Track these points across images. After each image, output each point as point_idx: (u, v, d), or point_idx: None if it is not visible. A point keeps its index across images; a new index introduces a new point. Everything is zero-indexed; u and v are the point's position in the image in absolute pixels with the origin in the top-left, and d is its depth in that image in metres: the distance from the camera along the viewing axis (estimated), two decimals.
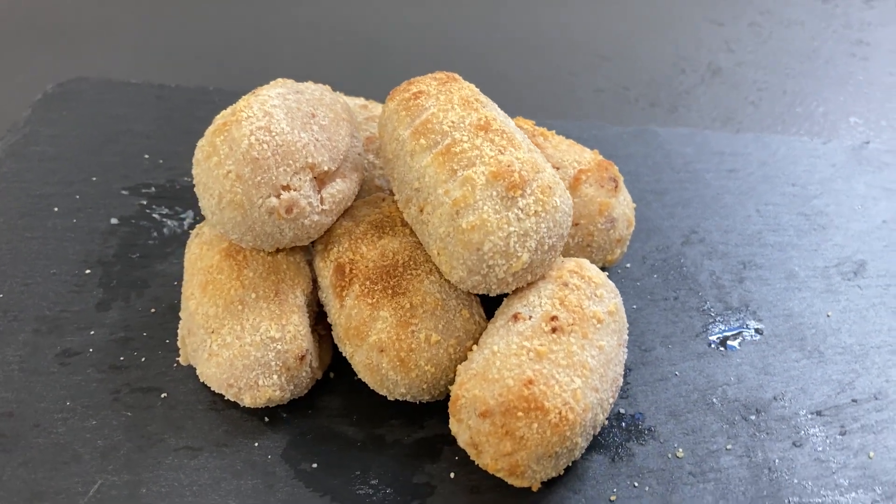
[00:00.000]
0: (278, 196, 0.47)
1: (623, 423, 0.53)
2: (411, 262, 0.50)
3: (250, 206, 0.47)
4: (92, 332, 0.57)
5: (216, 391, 0.51)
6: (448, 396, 0.50)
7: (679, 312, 0.62)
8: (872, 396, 0.56)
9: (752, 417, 0.54)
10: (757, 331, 0.61)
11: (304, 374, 0.51)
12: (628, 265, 0.66)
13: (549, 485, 0.49)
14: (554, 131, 0.61)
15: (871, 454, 0.52)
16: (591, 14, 1.14)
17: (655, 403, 0.55)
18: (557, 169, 0.56)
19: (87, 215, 0.66)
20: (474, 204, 0.45)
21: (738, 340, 0.60)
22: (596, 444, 0.51)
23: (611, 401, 0.47)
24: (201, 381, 0.51)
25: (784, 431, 0.53)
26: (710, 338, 0.60)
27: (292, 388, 0.50)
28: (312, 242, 0.54)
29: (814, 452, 0.52)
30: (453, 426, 0.46)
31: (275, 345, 0.49)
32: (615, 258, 0.59)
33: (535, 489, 0.46)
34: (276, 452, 0.50)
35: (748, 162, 0.78)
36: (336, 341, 0.52)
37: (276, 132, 0.47)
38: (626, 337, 0.50)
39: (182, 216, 0.67)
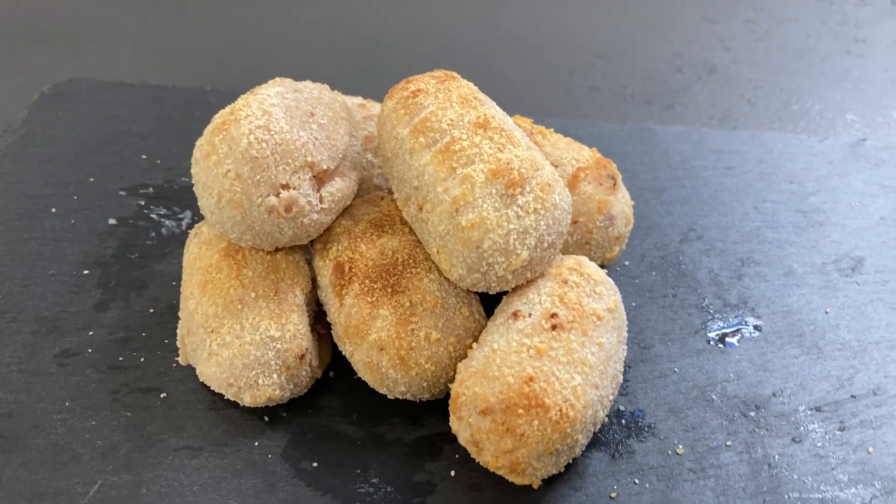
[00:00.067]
0: (277, 195, 0.47)
1: (623, 421, 0.53)
2: (411, 261, 0.50)
3: (249, 205, 0.47)
4: (91, 333, 0.57)
5: (216, 391, 0.50)
6: (448, 394, 0.50)
7: (678, 309, 0.62)
8: (871, 392, 0.56)
9: (752, 414, 0.54)
10: (756, 327, 0.61)
11: (303, 373, 0.50)
12: (627, 263, 0.66)
13: (550, 482, 0.49)
14: (552, 129, 0.61)
15: (871, 449, 0.52)
16: (588, 13, 1.14)
17: (655, 400, 0.55)
18: (556, 167, 0.56)
19: (84, 216, 0.66)
20: (474, 202, 0.45)
21: (737, 337, 0.60)
22: (596, 442, 0.51)
23: (611, 398, 0.47)
24: (201, 380, 0.51)
25: (783, 427, 0.53)
26: (709, 335, 0.60)
27: (292, 387, 0.50)
28: (311, 241, 0.54)
29: (813, 448, 0.52)
30: (454, 424, 0.46)
31: (274, 344, 0.49)
32: (614, 256, 0.59)
33: (535, 486, 0.46)
34: (277, 452, 0.50)
35: (745, 159, 0.78)
36: (336, 340, 0.52)
37: (275, 131, 0.47)
38: (626, 334, 0.50)
39: (180, 216, 0.67)
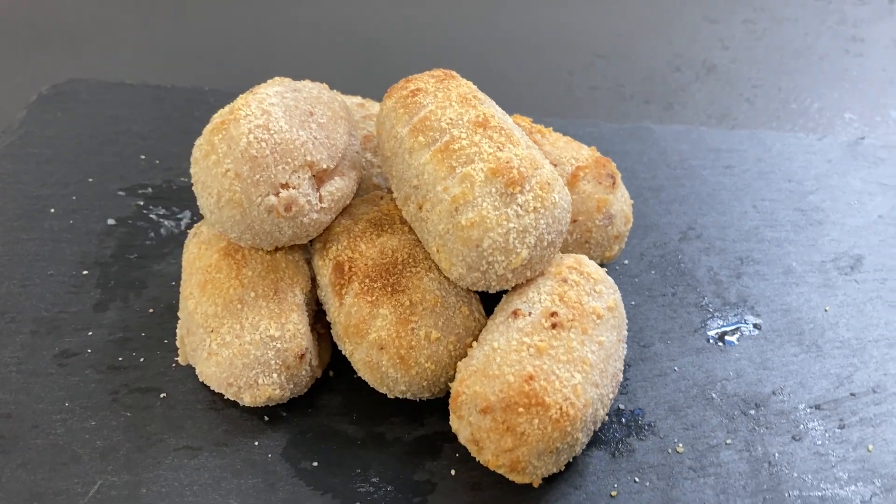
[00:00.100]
0: (277, 194, 0.47)
1: (623, 419, 0.53)
2: (410, 260, 0.50)
3: (249, 204, 0.47)
4: (90, 333, 0.57)
5: (216, 390, 0.50)
6: (448, 393, 0.50)
7: (677, 308, 0.62)
8: (871, 390, 0.56)
9: (752, 412, 0.54)
10: (755, 326, 0.61)
11: (303, 372, 0.50)
12: (626, 262, 0.66)
13: (550, 481, 0.49)
14: (551, 128, 0.61)
15: (870, 447, 0.52)
16: (587, 13, 1.14)
17: (655, 399, 0.55)
18: (555, 166, 0.56)
19: (83, 216, 0.66)
20: (473, 201, 0.45)
21: (737, 335, 0.60)
22: (596, 440, 0.51)
23: (611, 396, 0.47)
24: (200, 380, 0.51)
25: (783, 425, 0.53)
26: (709, 333, 0.60)
27: (292, 386, 0.50)
28: (311, 241, 0.54)
29: (813, 446, 0.52)
30: (454, 423, 0.46)
31: (274, 343, 0.49)
32: (613, 255, 0.59)
33: (535, 485, 0.46)
34: (277, 451, 0.50)
35: (744, 158, 0.78)
36: (335, 339, 0.52)
37: (275, 130, 0.47)
38: (626, 332, 0.50)
39: (179, 216, 0.67)
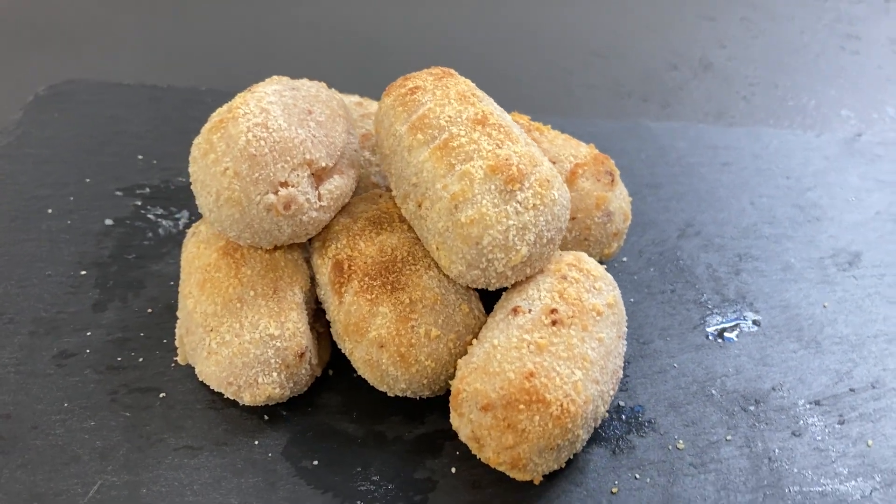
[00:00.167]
0: (276, 193, 0.47)
1: (623, 416, 0.53)
2: (410, 258, 0.50)
3: (248, 202, 0.47)
4: (89, 334, 0.56)
5: (215, 390, 0.50)
6: (448, 391, 0.50)
7: (676, 305, 0.62)
8: (870, 385, 0.56)
9: (752, 408, 0.54)
10: (754, 322, 0.61)
11: (303, 371, 0.50)
12: (625, 259, 0.66)
13: (551, 478, 0.49)
14: (549, 126, 0.61)
15: (870, 442, 0.52)
16: (584, 11, 1.14)
17: (655, 396, 0.55)
18: (554, 163, 0.56)
19: (81, 216, 0.66)
20: (473, 198, 0.45)
21: (736, 332, 0.60)
22: (596, 437, 0.51)
23: (611, 393, 0.47)
24: (200, 379, 0.51)
25: (783, 421, 0.53)
26: (708, 330, 0.60)
27: (292, 385, 0.50)
28: (310, 240, 0.54)
29: (813, 442, 0.52)
30: (454, 420, 0.46)
31: (274, 342, 0.48)
32: (612, 252, 0.59)
33: (536, 482, 0.46)
34: (277, 450, 0.50)
35: (742, 155, 0.79)
36: (335, 338, 0.52)
37: (274, 129, 0.47)
38: (626, 329, 0.50)
39: (177, 216, 0.67)
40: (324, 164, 0.50)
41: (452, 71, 0.54)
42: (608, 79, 0.99)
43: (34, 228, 0.64)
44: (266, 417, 0.52)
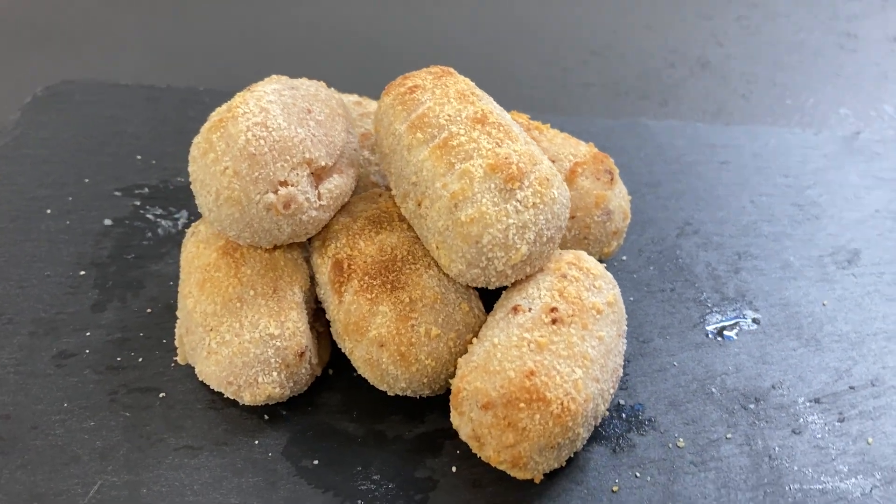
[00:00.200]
0: (276, 192, 0.47)
1: (623, 414, 0.53)
2: (410, 257, 0.50)
3: (248, 202, 0.47)
4: (88, 334, 0.56)
5: (215, 389, 0.50)
6: (448, 390, 0.50)
7: (676, 303, 0.62)
8: (869, 383, 0.56)
9: (752, 406, 0.54)
10: (754, 320, 0.61)
11: (303, 370, 0.50)
12: (624, 258, 0.66)
13: (551, 476, 0.49)
14: (549, 125, 0.61)
15: (870, 440, 0.52)
16: (582, 10, 1.14)
17: (655, 394, 0.55)
18: (553, 162, 0.56)
19: (80, 217, 0.66)
20: (473, 197, 0.45)
21: (736, 330, 0.60)
22: (597, 436, 0.51)
23: (611, 391, 0.47)
24: (200, 379, 0.51)
25: (783, 419, 0.53)
26: (708, 328, 0.60)
27: (292, 384, 0.50)
28: (309, 239, 0.54)
29: (813, 439, 0.52)
30: (455, 419, 0.46)
31: (274, 342, 0.48)
32: (612, 250, 0.59)
33: (537, 481, 0.46)
34: (277, 450, 0.50)
35: (740, 154, 0.79)
36: (335, 337, 0.52)
37: (273, 128, 0.47)
38: (625, 327, 0.50)
39: (176, 216, 0.67)
40: (323, 164, 0.50)
41: (451, 70, 0.54)
42: (606, 77, 0.99)
43: (33, 229, 0.64)
44: (266, 417, 0.52)
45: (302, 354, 0.49)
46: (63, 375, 0.53)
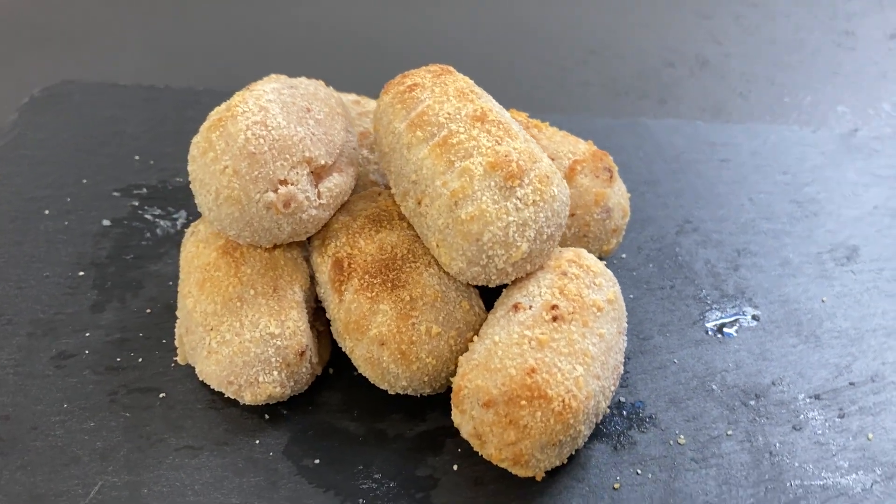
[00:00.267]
0: (276, 191, 0.47)
1: (624, 412, 0.53)
2: (410, 255, 0.50)
3: (248, 201, 0.47)
4: (87, 334, 0.56)
5: (216, 389, 0.50)
6: (449, 389, 0.50)
7: (675, 301, 0.62)
8: (869, 379, 0.56)
9: (752, 403, 0.54)
10: (753, 317, 0.61)
11: (304, 369, 0.50)
12: (624, 255, 0.66)
13: (553, 474, 0.49)
14: (548, 123, 0.61)
15: (870, 436, 0.52)
16: (580, 9, 1.15)
17: (655, 391, 0.55)
18: (553, 160, 0.56)
19: (78, 217, 0.66)
20: (473, 194, 0.45)
21: (735, 327, 0.60)
22: (597, 433, 0.51)
23: (612, 388, 0.47)
24: (200, 379, 0.51)
25: (783, 416, 0.53)
26: (707, 325, 0.60)
27: (292, 384, 0.50)
28: (309, 238, 0.54)
29: (813, 436, 0.52)
30: (456, 417, 0.46)
31: (274, 341, 0.48)
32: (611, 248, 0.59)
33: (538, 479, 0.46)
34: (278, 449, 0.50)
35: (739, 152, 0.79)
36: (335, 336, 0.52)
37: (273, 126, 0.47)
38: (626, 325, 0.50)
39: (175, 216, 0.67)
40: (323, 162, 0.50)
41: (451, 68, 0.54)
42: (605, 76, 0.99)
43: (32, 230, 0.64)
44: (267, 416, 0.52)
45: (302, 353, 0.49)
46: (62, 376, 0.53)
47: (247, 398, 0.49)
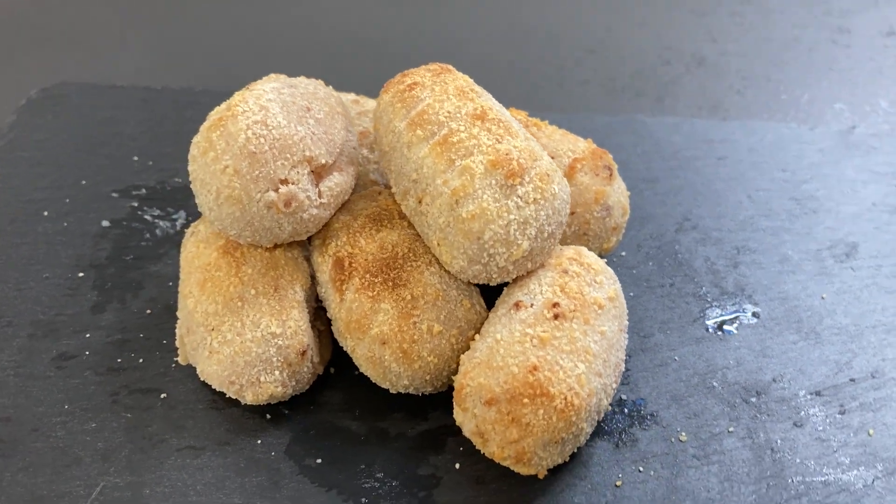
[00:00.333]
0: (276, 190, 0.47)
1: (625, 409, 0.53)
2: (411, 254, 0.50)
3: (248, 200, 0.47)
4: (88, 335, 0.56)
5: (217, 389, 0.50)
6: (450, 387, 0.50)
7: (676, 298, 0.62)
8: (870, 375, 0.56)
9: (753, 399, 0.54)
10: (753, 314, 0.61)
11: (305, 369, 0.50)
12: (623, 253, 0.66)
13: (555, 472, 0.49)
14: (547, 121, 0.61)
15: (871, 432, 0.53)
16: (577, 8, 1.15)
17: (657, 389, 0.55)
18: (552, 158, 0.56)
19: (77, 219, 0.66)
20: (473, 193, 0.45)
21: (736, 324, 0.60)
22: (599, 431, 0.51)
23: (614, 386, 0.47)
24: (202, 379, 0.51)
25: (784, 412, 0.53)
26: (708, 322, 0.60)
27: (294, 383, 0.50)
28: (310, 238, 0.54)
29: (815, 432, 0.52)
30: (458, 416, 0.46)
31: (276, 340, 0.48)
32: (611, 246, 0.59)
33: (541, 476, 0.46)
34: (280, 449, 0.50)
35: (737, 149, 0.79)
36: (336, 336, 0.52)
37: (273, 126, 0.47)
38: (627, 322, 0.51)
39: (174, 217, 0.67)
40: (323, 161, 0.50)
41: (450, 67, 0.54)
42: (602, 75, 0.99)
43: (31, 231, 0.64)
44: (268, 416, 0.52)
45: (304, 353, 0.49)
46: (63, 377, 0.53)
47: (248, 398, 0.49)
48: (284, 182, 0.47)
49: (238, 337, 0.48)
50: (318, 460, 0.49)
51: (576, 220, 0.56)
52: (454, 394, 0.46)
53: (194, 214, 0.66)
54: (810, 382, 0.56)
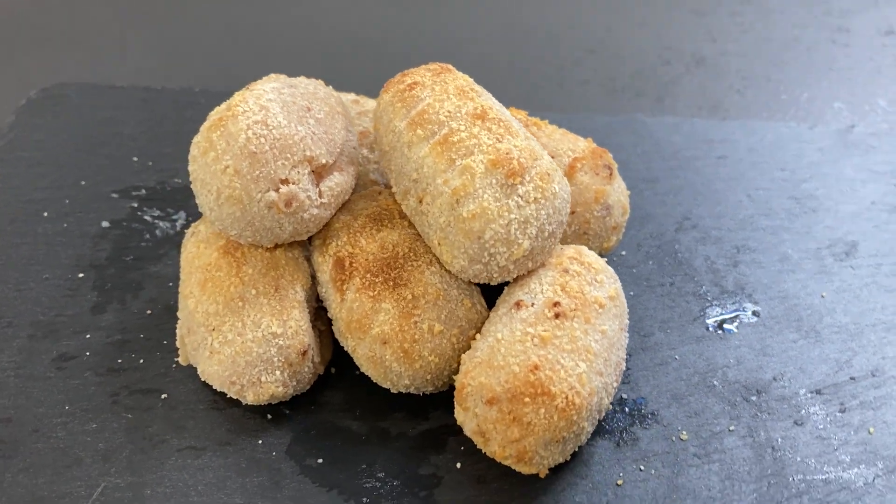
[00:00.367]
0: (277, 190, 0.47)
1: (626, 408, 0.53)
2: (411, 254, 0.50)
3: (249, 200, 0.47)
4: (88, 336, 0.56)
5: (218, 389, 0.50)
6: (451, 387, 0.50)
7: (676, 297, 0.62)
8: (870, 373, 0.57)
9: (753, 398, 0.54)
10: (753, 313, 0.61)
11: (306, 369, 0.50)
12: (623, 252, 0.66)
13: (556, 471, 0.49)
14: (547, 121, 0.61)
15: (872, 430, 0.53)
16: (577, 8, 1.15)
17: (657, 388, 0.55)
18: (553, 158, 0.56)
19: (77, 219, 0.66)
20: (474, 192, 0.45)
21: (736, 323, 0.60)
22: (600, 430, 0.52)
23: (615, 385, 0.47)
24: (202, 379, 0.51)
25: (785, 411, 0.53)
26: (708, 321, 0.60)
27: (295, 383, 0.50)
28: (310, 238, 0.54)
29: (815, 430, 0.52)
30: (459, 415, 0.46)
31: (277, 340, 0.48)
32: (611, 245, 0.59)
33: (542, 476, 0.46)
34: (281, 449, 0.50)
35: (737, 148, 0.79)
36: (337, 336, 0.52)
37: (273, 126, 0.47)
38: (627, 321, 0.51)
39: (174, 217, 0.67)
40: (324, 161, 0.50)
41: (450, 66, 0.54)
42: (602, 75, 0.99)
43: (30, 232, 0.64)
44: (269, 416, 0.52)
45: (305, 353, 0.49)
46: (64, 378, 0.53)
47: (249, 398, 0.49)
48: (285, 182, 0.47)
49: (239, 337, 0.48)
50: (320, 460, 0.49)
51: (576, 220, 0.56)
52: (455, 393, 0.46)
53: (194, 215, 0.66)
54: (810, 381, 0.56)
